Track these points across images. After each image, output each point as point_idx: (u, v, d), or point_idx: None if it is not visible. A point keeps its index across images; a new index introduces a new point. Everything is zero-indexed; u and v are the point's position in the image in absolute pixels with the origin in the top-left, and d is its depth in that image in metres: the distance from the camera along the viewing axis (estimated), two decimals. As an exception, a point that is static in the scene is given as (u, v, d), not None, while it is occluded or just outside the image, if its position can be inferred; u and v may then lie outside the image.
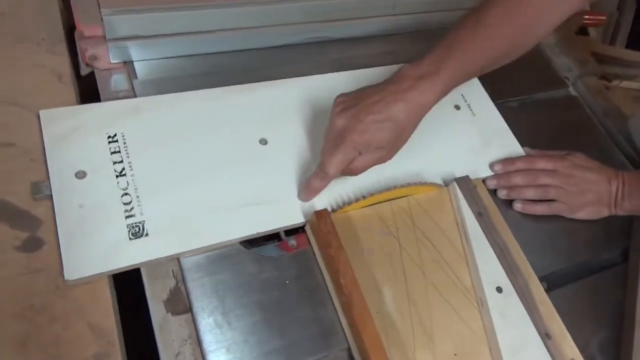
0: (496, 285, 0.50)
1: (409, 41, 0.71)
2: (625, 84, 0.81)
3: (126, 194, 0.47)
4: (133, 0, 0.53)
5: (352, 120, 0.47)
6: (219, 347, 0.43)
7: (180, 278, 0.45)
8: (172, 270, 0.45)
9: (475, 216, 0.54)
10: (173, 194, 0.48)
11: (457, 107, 0.65)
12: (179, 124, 0.52)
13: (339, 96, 0.50)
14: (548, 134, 0.68)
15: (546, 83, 0.75)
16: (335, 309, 0.47)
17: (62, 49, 0.55)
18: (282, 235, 0.50)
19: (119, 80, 0.55)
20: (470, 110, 0.65)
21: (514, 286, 0.51)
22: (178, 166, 0.50)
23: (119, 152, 0.49)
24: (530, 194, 0.59)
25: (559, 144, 0.64)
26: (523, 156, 0.62)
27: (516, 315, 0.49)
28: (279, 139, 0.55)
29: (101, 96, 0.54)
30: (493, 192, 0.59)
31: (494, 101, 0.67)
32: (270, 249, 0.49)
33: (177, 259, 0.46)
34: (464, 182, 0.56)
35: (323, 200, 0.51)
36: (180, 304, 0.44)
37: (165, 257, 0.45)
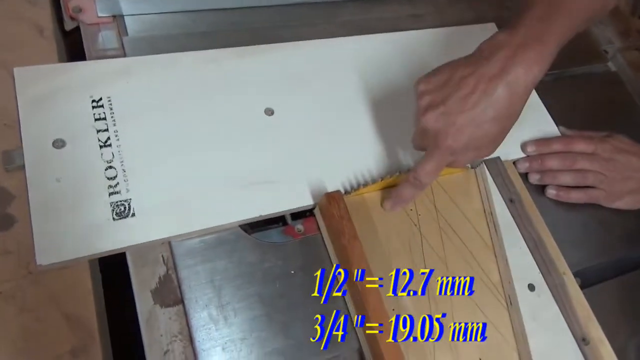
0: (528, 283, 0.47)
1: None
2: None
3: (111, 167, 0.43)
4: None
5: (444, 122, 0.41)
6: (213, 345, 0.40)
7: (172, 265, 0.42)
8: (162, 256, 0.42)
9: (506, 203, 0.50)
10: (164, 168, 0.45)
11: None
12: (174, 88, 0.49)
13: (419, 82, 0.43)
14: (584, 113, 0.64)
15: (583, 56, 0.70)
16: (346, 304, 0.44)
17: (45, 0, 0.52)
18: (288, 219, 0.47)
19: (107, 37, 0.52)
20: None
21: (548, 284, 0.47)
22: (171, 137, 0.46)
23: (104, 119, 0.45)
24: (567, 179, 0.55)
25: (596, 125, 0.60)
26: (559, 137, 0.58)
27: (550, 317, 0.46)
28: (287, 109, 0.51)
29: (87, 54, 0.50)
30: (524, 176, 0.55)
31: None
32: (274, 234, 0.46)
33: (168, 243, 0.42)
34: (494, 164, 0.52)
35: (335, 181, 0.48)
36: (170, 294, 0.41)
37: (154, 240, 0.42)
